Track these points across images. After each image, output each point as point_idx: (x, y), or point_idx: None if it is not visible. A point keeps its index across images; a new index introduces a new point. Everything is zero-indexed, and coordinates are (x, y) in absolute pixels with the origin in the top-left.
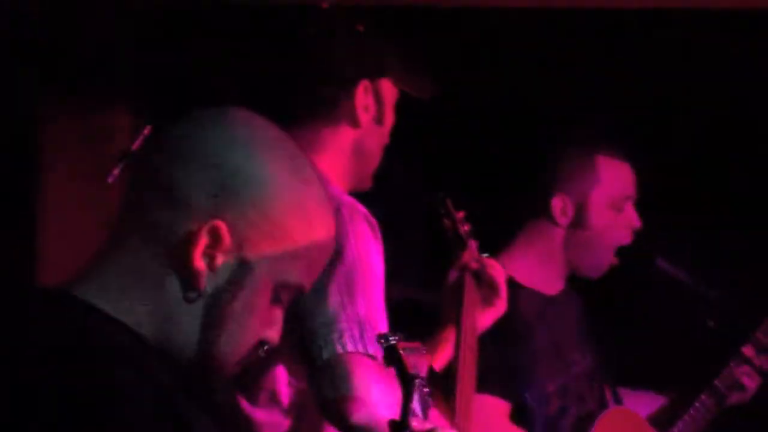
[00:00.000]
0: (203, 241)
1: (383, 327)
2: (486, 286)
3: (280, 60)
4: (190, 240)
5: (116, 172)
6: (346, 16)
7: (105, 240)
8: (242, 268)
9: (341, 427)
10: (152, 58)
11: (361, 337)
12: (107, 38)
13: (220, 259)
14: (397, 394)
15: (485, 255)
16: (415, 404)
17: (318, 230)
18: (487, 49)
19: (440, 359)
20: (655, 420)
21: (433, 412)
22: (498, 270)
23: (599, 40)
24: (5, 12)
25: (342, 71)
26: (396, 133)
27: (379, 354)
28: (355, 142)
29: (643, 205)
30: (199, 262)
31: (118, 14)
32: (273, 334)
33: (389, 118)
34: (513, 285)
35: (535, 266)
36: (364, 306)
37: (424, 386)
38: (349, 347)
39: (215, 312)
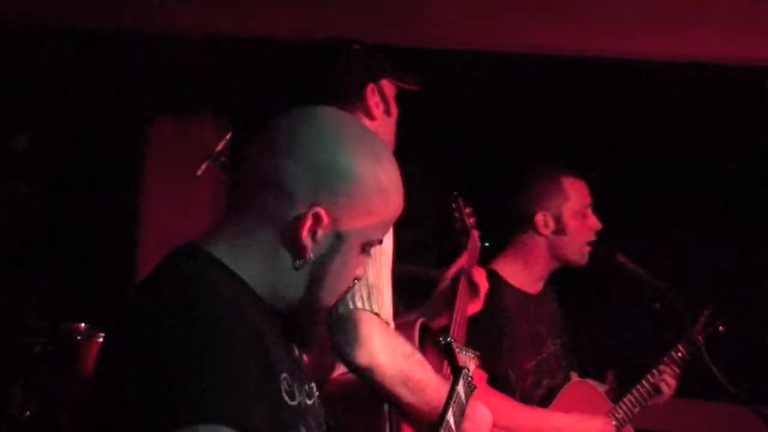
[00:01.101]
0: (308, 223)
1: (388, 293)
2: (473, 285)
3: (315, 79)
4: (298, 223)
5: (203, 166)
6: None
7: (227, 213)
8: (338, 238)
9: (348, 366)
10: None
11: (368, 298)
12: (196, 63)
13: (320, 235)
14: (398, 346)
15: (486, 244)
16: (460, 389)
17: (393, 203)
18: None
19: (436, 324)
20: (609, 390)
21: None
22: (481, 278)
23: (567, 88)
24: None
25: (355, 80)
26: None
27: (384, 314)
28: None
29: (603, 213)
30: (306, 239)
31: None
32: (360, 272)
33: (394, 110)
34: (504, 285)
35: (521, 271)
36: (373, 275)
37: (470, 378)
38: (358, 305)
39: (319, 273)
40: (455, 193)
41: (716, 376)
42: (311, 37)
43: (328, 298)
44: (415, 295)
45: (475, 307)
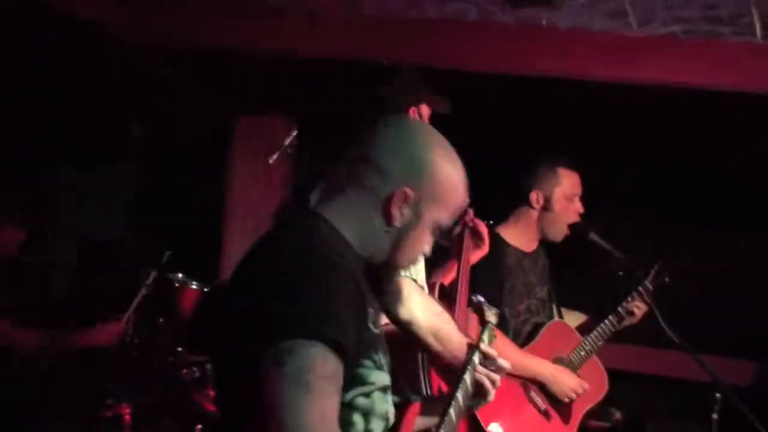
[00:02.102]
0: (398, 198)
1: (422, 264)
2: (477, 236)
3: (372, 95)
4: (391, 198)
5: (275, 156)
6: (398, 69)
7: (329, 187)
8: (416, 216)
9: (392, 320)
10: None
11: (408, 269)
12: (272, 76)
13: (406, 210)
14: (431, 305)
15: (489, 222)
16: (485, 337)
17: (460, 200)
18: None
19: (447, 279)
20: (579, 329)
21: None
22: (483, 227)
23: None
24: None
25: (401, 101)
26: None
27: (419, 280)
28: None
29: (587, 200)
30: (396, 211)
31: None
32: (427, 248)
33: None
34: (504, 244)
35: (518, 234)
36: None
37: (492, 329)
38: (401, 272)
39: (400, 239)
40: None
41: (661, 324)
42: (361, 57)
43: (403, 260)
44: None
45: (481, 253)
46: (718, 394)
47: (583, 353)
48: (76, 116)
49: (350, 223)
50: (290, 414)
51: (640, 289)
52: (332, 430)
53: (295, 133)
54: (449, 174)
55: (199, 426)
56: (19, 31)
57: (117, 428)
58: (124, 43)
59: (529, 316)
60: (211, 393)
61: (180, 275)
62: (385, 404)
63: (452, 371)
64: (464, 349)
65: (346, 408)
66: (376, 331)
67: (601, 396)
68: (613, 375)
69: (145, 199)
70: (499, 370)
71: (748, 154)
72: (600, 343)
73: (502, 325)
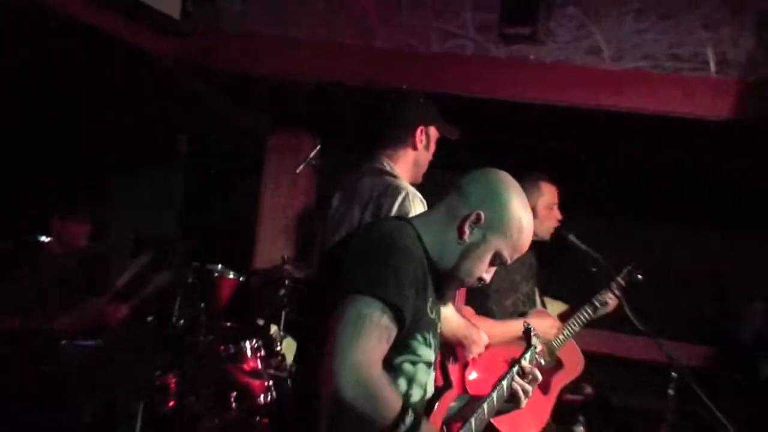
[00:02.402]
0: (470, 218)
1: None
2: None
3: (385, 116)
4: (466, 217)
5: (301, 166)
6: (411, 93)
7: (434, 205)
8: (484, 238)
9: None
10: (322, 112)
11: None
12: (300, 100)
13: (475, 229)
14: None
15: None
16: (527, 355)
17: (524, 242)
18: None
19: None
20: (561, 316)
21: (480, 320)
22: None
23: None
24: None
25: (411, 122)
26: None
27: None
28: (415, 157)
29: (570, 207)
30: (466, 228)
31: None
32: (486, 277)
33: (432, 148)
34: None
35: None
36: None
37: (536, 352)
38: None
39: (465, 254)
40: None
41: (628, 314)
42: (377, 84)
43: (464, 273)
44: None
45: None
46: (674, 373)
47: (562, 337)
48: (135, 131)
49: (430, 231)
50: (344, 343)
51: (612, 284)
52: (372, 366)
53: (318, 147)
54: (521, 217)
55: (233, 393)
56: (94, 66)
57: (164, 394)
58: (183, 74)
59: (515, 309)
60: (245, 367)
61: (219, 266)
62: (426, 376)
63: (449, 346)
64: (462, 327)
65: (394, 371)
66: (432, 316)
67: (577, 373)
68: (586, 356)
69: (191, 201)
70: (533, 382)
71: (700, 170)
72: (577, 328)
73: (490, 318)
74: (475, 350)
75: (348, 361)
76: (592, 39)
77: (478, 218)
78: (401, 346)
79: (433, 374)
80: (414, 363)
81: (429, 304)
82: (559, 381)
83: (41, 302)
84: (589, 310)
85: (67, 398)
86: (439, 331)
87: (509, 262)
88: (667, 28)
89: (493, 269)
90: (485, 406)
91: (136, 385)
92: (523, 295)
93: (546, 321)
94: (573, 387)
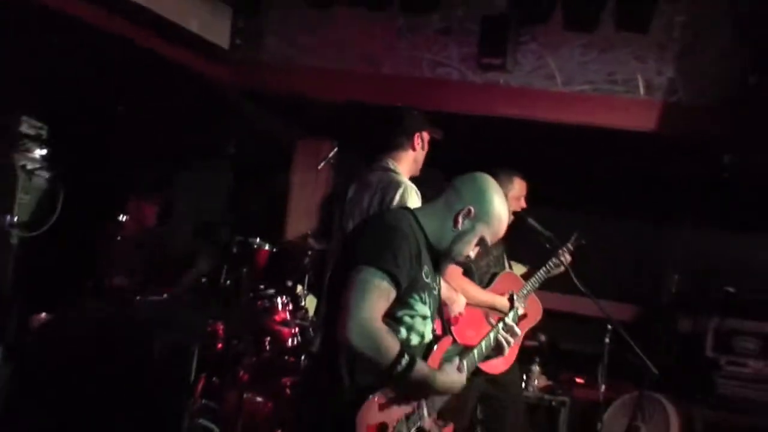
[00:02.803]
0: (464, 212)
1: None
2: None
3: (391, 126)
4: (460, 211)
5: (322, 164)
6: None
7: (430, 199)
8: (473, 227)
9: None
10: (341, 123)
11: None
12: (322, 113)
13: (467, 221)
14: None
15: None
16: (511, 314)
17: (502, 227)
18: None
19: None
20: (523, 276)
21: (469, 287)
22: None
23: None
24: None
25: (411, 129)
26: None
27: None
28: (414, 157)
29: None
30: (460, 218)
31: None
32: (472, 255)
33: (426, 148)
34: None
35: None
36: None
37: (519, 313)
38: None
39: (459, 238)
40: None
41: (573, 278)
42: (379, 102)
43: (456, 253)
44: None
45: None
46: (609, 326)
47: (525, 292)
48: (194, 136)
49: (430, 220)
50: (351, 303)
51: (562, 249)
52: (375, 320)
53: (335, 149)
54: (500, 212)
55: (267, 338)
56: (165, 87)
57: (213, 339)
58: (232, 93)
59: (488, 269)
60: (276, 318)
61: (257, 240)
62: (422, 326)
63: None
64: (444, 291)
65: (396, 321)
66: (428, 281)
67: (537, 320)
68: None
69: (237, 190)
70: (514, 336)
71: (632, 170)
72: (537, 285)
73: (469, 274)
74: (456, 309)
75: (356, 317)
76: (548, 68)
77: (470, 212)
78: (401, 303)
79: (430, 325)
80: (412, 316)
81: (424, 272)
82: (524, 327)
83: (122, 267)
84: (543, 271)
85: (142, 339)
86: (435, 292)
87: (490, 244)
88: (606, 60)
89: (477, 249)
90: (476, 352)
91: (193, 331)
92: (494, 257)
93: (513, 280)
94: (530, 335)
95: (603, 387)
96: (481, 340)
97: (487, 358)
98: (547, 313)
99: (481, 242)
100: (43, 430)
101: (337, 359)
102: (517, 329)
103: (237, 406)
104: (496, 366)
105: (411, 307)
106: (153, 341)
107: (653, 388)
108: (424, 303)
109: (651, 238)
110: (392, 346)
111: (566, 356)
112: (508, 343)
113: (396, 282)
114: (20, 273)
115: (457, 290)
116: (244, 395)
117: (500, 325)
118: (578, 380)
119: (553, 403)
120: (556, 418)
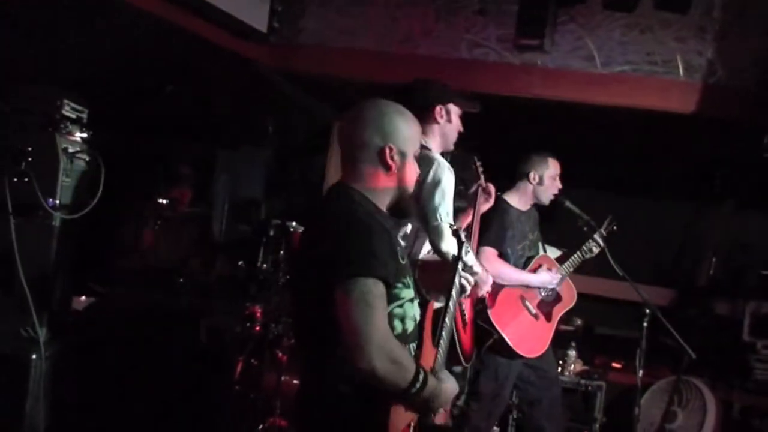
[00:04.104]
0: (388, 154)
1: (452, 216)
2: (487, 193)
3: (415, 97)
4: (382, 155)
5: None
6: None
7: (348, 166)
8: (403, 155)
9: (437, 252)
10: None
11: (447, 216)
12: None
13: (395, 156)
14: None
15: (499, 193)
16: (463, 251)
17: (415, 130)
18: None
19: (464, 222)
20: (558, 260)
21: (503, 268)
22: (492, 187)
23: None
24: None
25: (432, 101)
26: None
27: (455, 225)
28: (440, 130)
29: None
30: (390, 161)
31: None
32: (419, 171)
33: (455, 120)
34: (507, 204)
35: (518, 198)
36: (447, 206)
37: (468, 246)
38: (442, 219)
39: (402, 174)
40: (476, 156)
41: (611, 261)
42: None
43: (409, 188)
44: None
45: (488, 205)
46: (647, 310)
47: (560, 276)
48: (231, 117)
49: (366, 185)
50: (361, 325)
51: (596, 235)
52: (385, 330)
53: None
54: (406, 119)
55: None
56: (206, 67)
57: (251, 321)
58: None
59: (524, 252)
60: None
61: (294, 223)
62: (412, 310)
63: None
64: (480, 273)
65: (389, 317)
66: (404, 262)
67: (572, 304)
68: (578, 296)
69: (274, 172)
70: (473, 274)
71: (669, 153)
72: (571, 269)
73: (505, 257)
74: (485, 288)
75: (373, 340)
76: (587, 49)
77: (390, 150)
78: (390, 297)
79: (416, 302)
80: (402, 305)
81: (399, 254)
82: (559, 311)
83: (163, 249)
84: (580, 255)
85: (188, 322)
86: (411, 268)
87: (419, 147)
88: (646, 40)
89: (417, 171)
90: (450, 303)
91: (233, 313)
92: (530, 241)
93: (548, 263)
94: (567, 319)
95: (641, 372)
96: (450, 288)
97: (458, 299)
98: (583, 297)
99: (415, 157)
100: (87, 412)
101: (327, 380)
102: (477, 267)
103: (275, 387)
104: (532, 349)
105: (398, 297)
106: (199, 323)
107: (690, 373)
108: (408, 286)
109: (689, 221)
110: (410, 363)
111: (602, 341)
112: (469, 282)
113: (387, 283)
114: (62, 255)
115: (489, 272)
116: (282, 377)
117: (458, 265)
118: (614, 365)
119: (590, 388)
120: (592, 403)
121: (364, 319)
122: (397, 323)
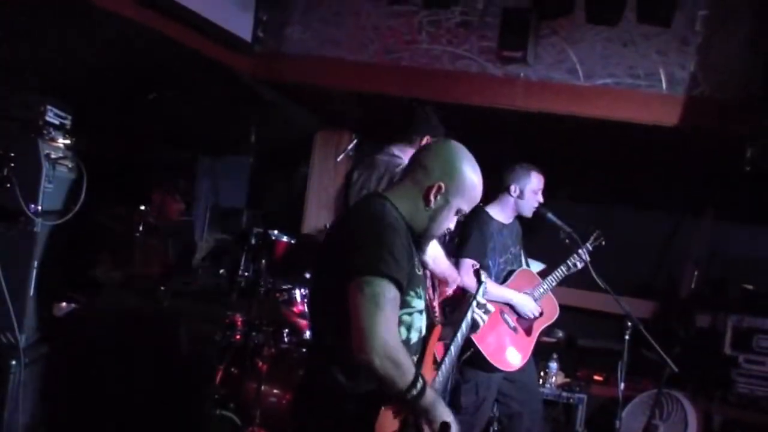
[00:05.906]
0: (434, 188)
1: None
2: None
3: (399, 125)
4: (430, 189)
5: (341, 156)
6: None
7: (398, 180)
8: (447, 202)
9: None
10: (357, 114)
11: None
12: (340, 105)
13: (439, 197)
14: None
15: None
16: (480, 290)
17: (477, 193)
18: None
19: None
20: (540, 274)
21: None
22: None
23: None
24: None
25: (420, 130)
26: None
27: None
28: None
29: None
30: (431, 196)
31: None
32: (451, 226)
33: None
34: (489, 217)
35: (499, 211)
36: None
37: (485, 285)
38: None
39: (434, 217)
40: None
41: (593, 274)
42: (403, 94)
43: (436, 231)
44: None
45: None
46: (629, 323)
47: (542, 290)
48: (213, 127)
49: (403, 202)
50: (367, 321)
51: (581, 251)
52: (393, 332)
53: (354, 141)
54: (472, 178)
55: (286, 330)
56: (190, 77)
57: (231, 330)
58: (254, 84)
59: (506, 266)
60: (295, 310)
61: (276, 231)
62: (420, 322)
63: (444, 282)
64: (449, 269)
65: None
66: (419, 272)
67: (553, 319)
68: (560, 308)
69: (257, 181)
70: (486, 312)
71: (650, 165)
72: (554, 284)
73: (487, 270)
74: (453, 286)
75: (376, 337)
76: (569, 62)
77: (440, 189)
78: (401, 304)
79: (425, 315)
80: (410, 314)
81: (415, 263)
82: (539, 325)
83: (140, 257)
84: (563, 270)
85: (169, 329)
86: (423, 279)
87: (467, 212)
88: (628, 53)
89: (455, 218)
90: (458, 335)
91: (213, 321)
92: (512, 255)
93: (530, 277)
94: (549, 331)
95: (622, 385)
96: (461, 323)
97: (468, 335)
98: (565, 310)
99: (459, 212)
100: (67, 418)
101: (330, 369)
102: (489, 306)
103: (255, 396)
104: (510, 363)
105: (409, 305)
106: (180, 331)
107: (671, 386)
108: (420, 297)
109: (670, 234)
110: (410, 367)
111: (584, 353)
112: (483, 320)
113: (400, 286)
114: (44, 261)
115: (468, 284)
116: (263, 386)
117: (473, 302)
118: (596, 377)
119: (571, 400)
120: (574, 416)
121: (371, 317)
122: (402, 330)
